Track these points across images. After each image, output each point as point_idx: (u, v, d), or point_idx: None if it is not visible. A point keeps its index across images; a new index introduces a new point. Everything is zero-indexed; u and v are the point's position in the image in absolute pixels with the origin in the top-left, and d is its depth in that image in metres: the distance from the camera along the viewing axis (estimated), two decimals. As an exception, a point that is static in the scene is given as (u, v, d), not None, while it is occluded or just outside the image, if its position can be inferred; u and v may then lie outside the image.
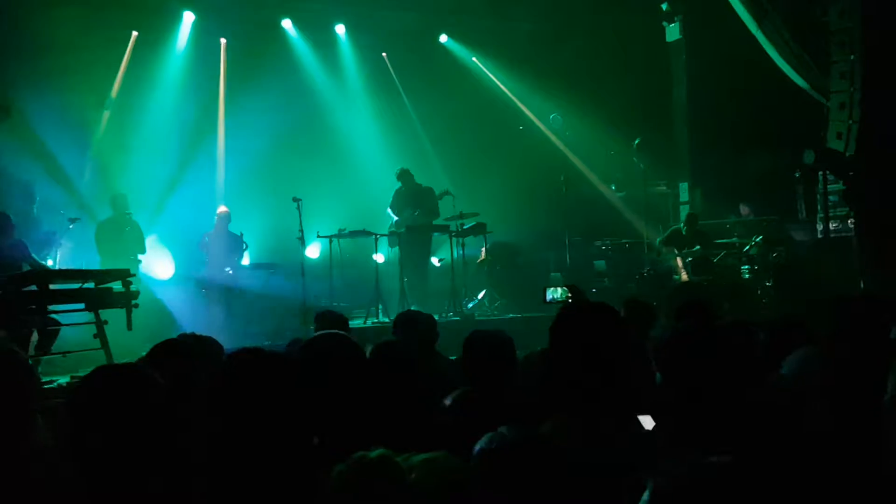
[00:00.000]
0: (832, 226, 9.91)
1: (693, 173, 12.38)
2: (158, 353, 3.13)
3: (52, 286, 6.66)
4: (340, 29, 12.79)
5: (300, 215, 9.30)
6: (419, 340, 4.48)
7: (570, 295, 3.69)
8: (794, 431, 2.31)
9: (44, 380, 6.91)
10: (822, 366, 3.48)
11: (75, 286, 6.85)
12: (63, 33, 10.08)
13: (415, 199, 10.37)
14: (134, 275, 7.22)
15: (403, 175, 10.52)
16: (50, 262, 8.22)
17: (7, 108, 9.29)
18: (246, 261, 10.37)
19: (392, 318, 9.54)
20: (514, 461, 1.79)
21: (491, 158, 12.70)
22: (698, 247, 9.79)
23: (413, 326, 4.58)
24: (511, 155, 12.95)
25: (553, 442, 2.03)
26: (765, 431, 2.30)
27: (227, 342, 5.55)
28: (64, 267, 8.40)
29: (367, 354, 3.13)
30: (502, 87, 13.41)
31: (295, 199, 9.30)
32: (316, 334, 3.01)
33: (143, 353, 3.49)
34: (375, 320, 9.71)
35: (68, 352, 6.94)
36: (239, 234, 10.17)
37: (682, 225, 10.26)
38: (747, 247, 9.75)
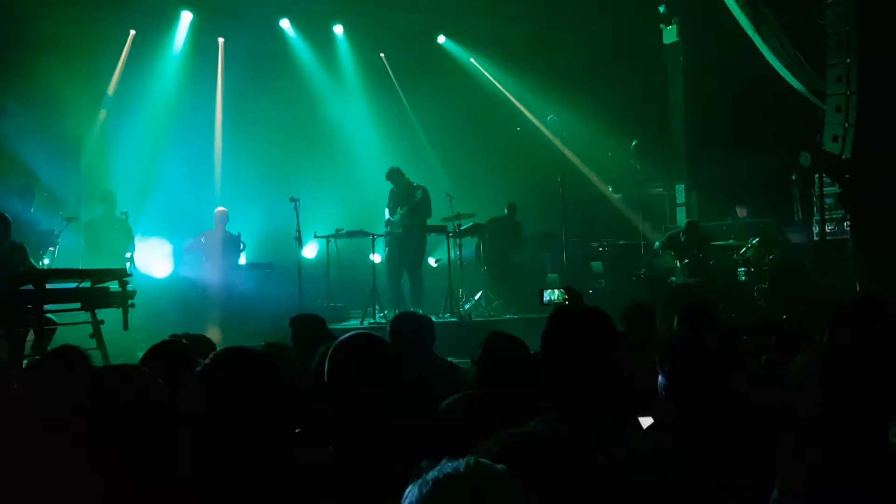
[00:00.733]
0: (828, 228, 9.95)
1: (690, 175, 12.42)
2: (156, 354, 3.14)
3: (48, 286, 6.65)
4: (338, 29, 12.79)
5: (297, 215, 9.30)
6: (417, 341, 4.48)
7: (567, 297, 3.69)
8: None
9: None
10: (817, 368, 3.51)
11: (72, 286, 6.84)
12: (60, 31, 10.08)
13: (405, 198, 10.27)
14: (130, 274, 7.21)
15: (392, 174, 10.38)
16: (47, 262, 8.21)
17: (3, 106, 9.26)
18: (243, 260, 10.36)
19: (388, 319, 9.62)
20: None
21: (489, 159, 12.72)
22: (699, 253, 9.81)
23: (410, 327, 4.57)
24: (509, 155, 12.97)
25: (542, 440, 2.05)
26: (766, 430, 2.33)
27: (224, 342, 5.58)
28: (60, 266, 8.38)
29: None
30: (500, 87, 13.42)
31: (292, 199, 9.30)
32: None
33: (140, 353, 3.50)
34: (372, 321, 9.72)
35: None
36: (237, 234, 10.17)
37: (681, 232, 10.26)
38: (743, 249, 9.77)
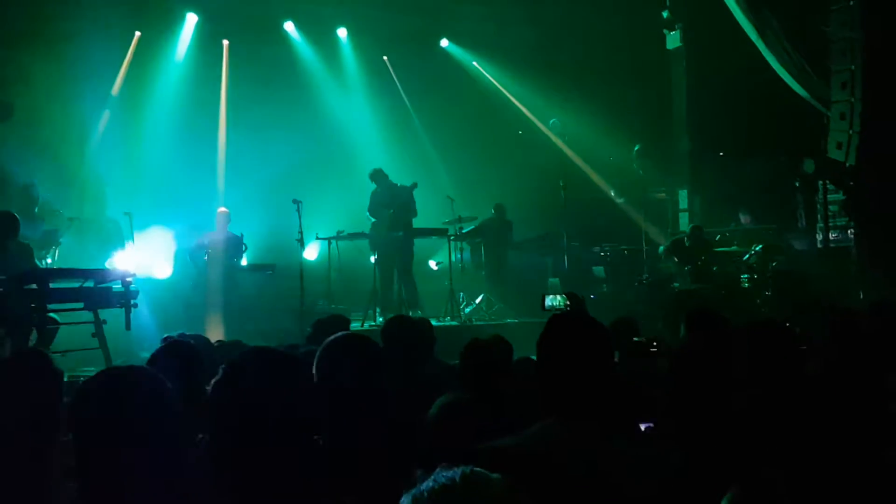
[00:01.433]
0: (832, 235, 9.92)
1: (693, 180, 12.40)
2: (163, 354, 3.13)
3: (51, 285, 6.66)
4: (342, 32, 12.82)
5: (300, 217, 9.28)
6: (416, 344, 4.47)
7: (568, 303, 3.69)
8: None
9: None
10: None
11: (75, 285, 6.85)
12: (65, 31, 10.11)
13: (390, 199, 10.19)
14: (134, 274, 7.22)
15: (376, 175, 10.32)
16: (49, 261, 8.22)
17: (9, 106, 9.28)
18: (245, 262, 10.36)
19: (387, 320, 9.61)
20: None
21: (491, 162, 12.74)
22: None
23: (409, 330, 4.55)
24: (511, 159, 12.98)
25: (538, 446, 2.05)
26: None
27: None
28: (62, 266, 8.38)
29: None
30: (503, 90, 13.44)
31: (295, 201, 9.27)
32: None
33: (143, 353, 3.51)
34: (373, 323, 9.71)
35: (67, 351, 6.92)
36: (239, 235, 10.16)
37: (685, 237, 10.24)
38: (747, 255, 9.75)
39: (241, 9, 11.79)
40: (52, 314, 6.84)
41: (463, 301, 10.67)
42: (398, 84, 13.28)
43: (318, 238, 10.34)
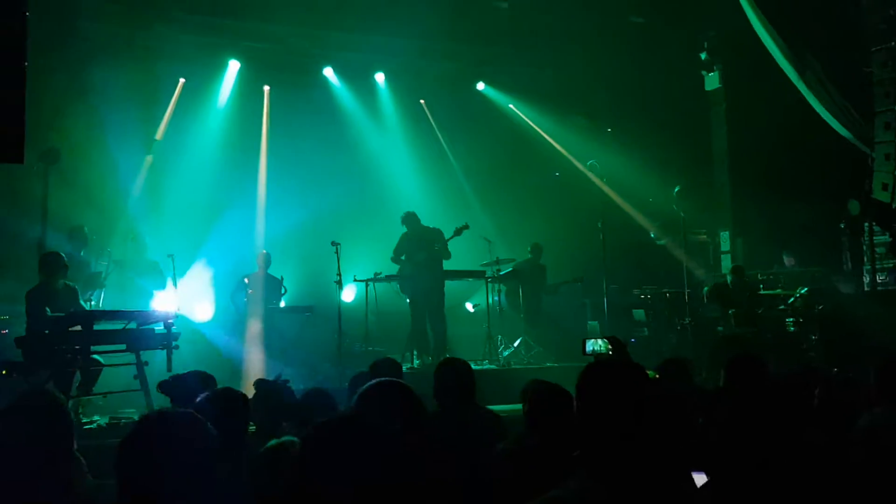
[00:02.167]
0: (879, 278, 9.70)
1: (735, 222, 12.25)
2: (216, 400, 3.14)
3: (95, 327, 6.75)
4: (380, 77, 13.01)
5: (338, 259, 9.32)
6: (458, 387, 4.42)
7: (610, 347, 3.60)
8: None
9: (84, 420, 6.97)
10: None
11: (118, 327, 6.93)
12: (112, 78, 10.40)
13: (421, 242, 10.11)
14: (175, 317, 7.29)
15: (408, 218, 10.23)
16: (93, 303, 8.33)
17: (56, 151, 9.52)
18: (283, 304, 10.42)
19: (425, 363, 9.57)
20: None
21: (529, 204, 12.72)
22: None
23: (452, 374, 4.49)
24: (549, 200, 12.96)
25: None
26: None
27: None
28: (105, 308, 8.50)
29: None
30: (541, 131, 13.47)
31: (333, 244, 9.32)
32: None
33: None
34: (410, 366, 9.67)
35: (109, 392, 6.99)
36: (279, 278, 10.24)
37: (727, 278, 10.06)
38: (792, 298, 9.54)
39: (281, 55, 12.04)
40: (95, 356, 6.92)
41: (501, 344, 10.58)
42: (435, 127, 13.40)
43: (355, 280, 10.37)
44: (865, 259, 9.91)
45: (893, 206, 9.25)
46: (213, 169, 11.47)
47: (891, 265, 9.56)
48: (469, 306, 12.01)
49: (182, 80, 11.76)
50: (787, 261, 11.15)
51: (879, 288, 9.64)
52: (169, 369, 6.93)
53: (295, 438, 2.49)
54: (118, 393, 7.09)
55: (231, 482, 2.71)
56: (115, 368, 7.02)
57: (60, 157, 9.46)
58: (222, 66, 11.96)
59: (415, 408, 2.77)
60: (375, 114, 13.04)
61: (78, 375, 6.83)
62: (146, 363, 6.92)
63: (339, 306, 9.48)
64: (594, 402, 2.17)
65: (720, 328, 9.77)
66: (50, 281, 7.11)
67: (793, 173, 11.18)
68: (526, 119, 13.55)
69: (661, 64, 12.22)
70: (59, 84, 10.00)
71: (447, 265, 10.14)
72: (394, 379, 2.91)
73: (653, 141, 11.92)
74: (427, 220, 10.30)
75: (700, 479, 2.80)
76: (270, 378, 4.81)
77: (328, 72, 12.67)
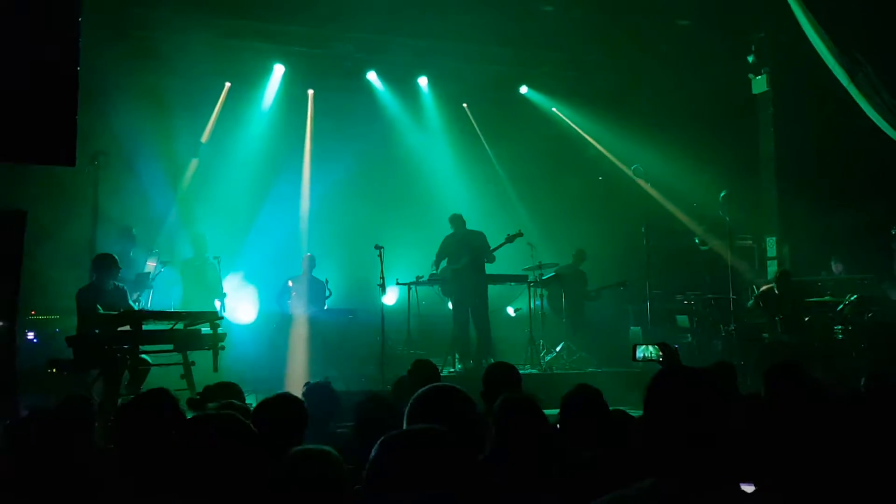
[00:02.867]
0: (931, 285, 9.44)
1: (781, 228, 12.03)
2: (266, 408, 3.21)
3: (144, 327, 6.88)
4: (423, 81, 13.06)
5: (381, 263, 9.37)
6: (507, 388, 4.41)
7: (661, 353, 3.57)
8: None
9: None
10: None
11: (165, 327, 7.06)
12: (160, 83, 10.62)
13: (465, 246, 10.11)
14: (222, 317, 7.40)
15: (456, 220, 10.26)
16: (141, 304, 8.50)
17: (107, 153, 9.72)
18: (326, 306, 10.52)
19: (467, 367, 9.57)
20: None
21: (572, 208, 12.67)
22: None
23: (502, 380, 4.46)
24: (593, 204, 12.89)
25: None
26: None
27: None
28: (154, 309, 8.67)
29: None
30: (585, 135, 13.40)
31: (377, 247, 9.37)
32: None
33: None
34: (451, 369, 9.68)
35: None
36: (324, 281, 10.34)
37: (773, 285, 9.88)
38: (840, 305, 9.33)
39: (325, 60, 12.15)
40: (143, 355, 7.06)
41: (543, 349, 10.54)
42: (478, 131, 13.41)
43: (398, 283, 10.42)
44: (918, 266, 9.66)
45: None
46: (257, 172, 11.63)
47: (943, 272, 9.32)
48: (510, 311, 11.99)
49: (228, 84, 11.95)
50: (836, 267, 10.91)
51: (932, 296, 9.39)
52: (215, 370, 7.05)
53: (326, 447, 2.52)
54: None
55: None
56: (162, 368, 7.15)
57: (110, 159, 9.69)
58: (267, 71, 12.11)
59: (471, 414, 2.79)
60: (418, 117, 13.09)
61: (126, 374, 6.97)
62: (193, 363, 7.03)
63: (382, 309, 9.53)
64: (667, 410, 2.16)
65: (765, 335, 9.60)
66: (101, 281, 7.28)
67: (841, 178, 10.94)
68: (570, 122, 13.49)
69: (708, 67, 12.05)
70: (109, 88, 10.22)
71: (490, 269, 10.14)
72: (449, 385, 2.92)
73: (698, 145, 11.76)
74: (470, 223, 10.32)
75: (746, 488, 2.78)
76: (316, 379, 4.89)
77: (371, 76, 12.75)
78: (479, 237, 10.17)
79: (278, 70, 12.15)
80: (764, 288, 10.01)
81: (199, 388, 6.87)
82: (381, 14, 10.84)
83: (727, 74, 12.38)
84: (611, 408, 3.74)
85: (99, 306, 7.02)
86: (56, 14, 6.75)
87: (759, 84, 12.52)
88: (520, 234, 10.03)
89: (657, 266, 11.16)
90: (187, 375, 6.91)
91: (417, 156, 12.76)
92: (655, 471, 2.16)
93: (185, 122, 11.34)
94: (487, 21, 10.95)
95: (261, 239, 11.22)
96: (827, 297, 9.49)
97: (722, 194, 10.64)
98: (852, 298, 9.23)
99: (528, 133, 13.06)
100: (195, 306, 9.09)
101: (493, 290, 10.44)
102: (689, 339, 10.66)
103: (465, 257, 9.98)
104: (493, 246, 10.08)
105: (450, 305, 10.27)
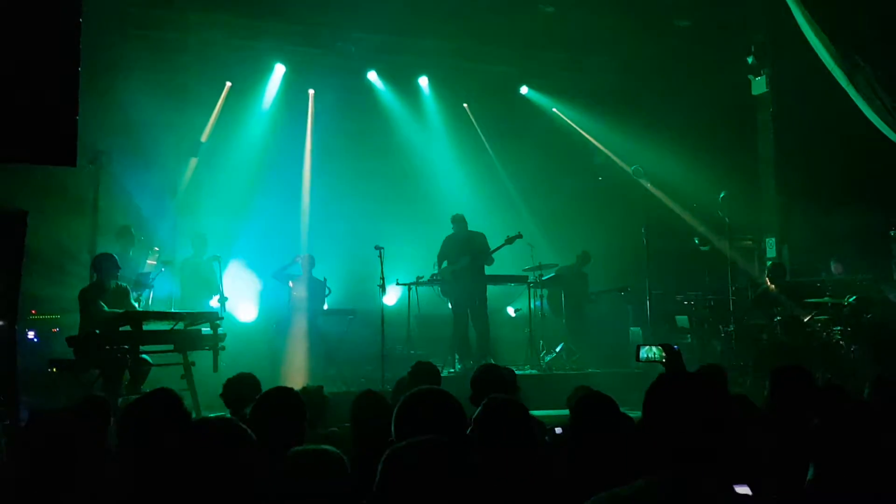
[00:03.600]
0: (930, 286, 9.45)
1: (781, 228, 12.04)
2: (266, 403, 3.21)
3: (144, 327, 6.90)
4: (423, 81, 13.07)
5: (381, 263, 9.37)
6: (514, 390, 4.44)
7: (664, 355, 3.59)
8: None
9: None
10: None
11: (166, 327, 7.08)
12: (161, 81, 10.62)
13: (465, 246, 10.14)
14: (222, 318, 7.42)
15: (457, 220, 10.30)
16: (142, 302, 8.51)
17: (108, 153, 9.73)
18: (326, 306, 10.52)
19: (466, 367, 9.58)
20: None
21: (572, 208, 12.68)
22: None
23: (495, 380, 4.49)
24: (592, 204, 12.91)
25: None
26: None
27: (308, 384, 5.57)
28: (154, 309, 8.68)
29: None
30: (586, 135, 13.41)
31: (377, 248, 9.37)
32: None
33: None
34: (451, 370, 9.69)
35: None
36: (322, 280, 10.34)
37: (766, 279, 9.89)
38: (840, 306, 9.32)
39: (326, 59, 12.16)
40: (144, 355, 7.07)
41: (542, 349, 10.55)
42: (479, 131, 13.42)
43: (398, 283, 10.43)
44: (917, 267, 9.67)
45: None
46: (257, 171, 11.63)
47: (943, 274, 9.32)
48: (510, 311, 12.00)
49: (228, 84, 11.95)
50: (835, 268, 10.92)
51: (931, 297, 9.39)
52: (215, 370, 7.07)
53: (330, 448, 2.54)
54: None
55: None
56: (163, 368, 7.16)
57: (111, 159, 9.69)
58: (268, 70, 12.12)
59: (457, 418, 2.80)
60: (419, 117, 13.11)
61: (127, 374, 6.98)
62: (193, 363, 7.05)
63: (382, 309, 9.55)
64: (665, 416, 2.18)
65: (764, 336, 9.61)
66: (103, 281, 7.29)
67: (841, 179, 10.95)
68: (570, 122, 13.50)
69: (707, 68, 12.07)
70: (109, 87, 10.22)
71: (489, 270, 10.17)
72: (437, 389, 2.94)
73: (698, 145, 11.78)
74: (471, 223, 10.34)
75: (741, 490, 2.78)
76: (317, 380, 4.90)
77: (372, 75, 12.77)
78: (480, 238, 10.19)
79: (279, 70, 12.17)
80: (761, 288, 10.03)
81: (199, 389, 6.95)
82: (381, 14, 10.85)
83: (727, 75, 12.38)
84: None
85: (103, 305, 7.04)
86: (56, 14, 6.75)
87: (759, 85, 12.53)
88: (519, 236, 10.06)
89: (657, 266, 11.17)
90: (187, 376, 6.93)
91: (418, 156, 12.78)
92: (651, 472, 2.18)
93: (185, 122, 11.34)
94: (488, 21, 10.96)
95: (260, 238, 11.22)
96: (826, 298, 9.48)
97: (721, 195, 10.65)
98: (852, 299, 9.22)
99: (529, 133, 13.07)
100: (194, 306, 9.11)
101: (493, 290, 10.46)
102: (689, 340, 10.67)
103: (465, 258, 9.99)
104: (492, 248, 10.10)
105: (450, 306, 10.28)
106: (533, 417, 4.75)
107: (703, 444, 2.10)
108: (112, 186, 9.76)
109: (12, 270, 6.74)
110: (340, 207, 11.82)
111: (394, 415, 2.80)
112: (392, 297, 11.11)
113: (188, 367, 6.98)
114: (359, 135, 12.10)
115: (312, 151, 12.50)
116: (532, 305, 10.69)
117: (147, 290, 8.54)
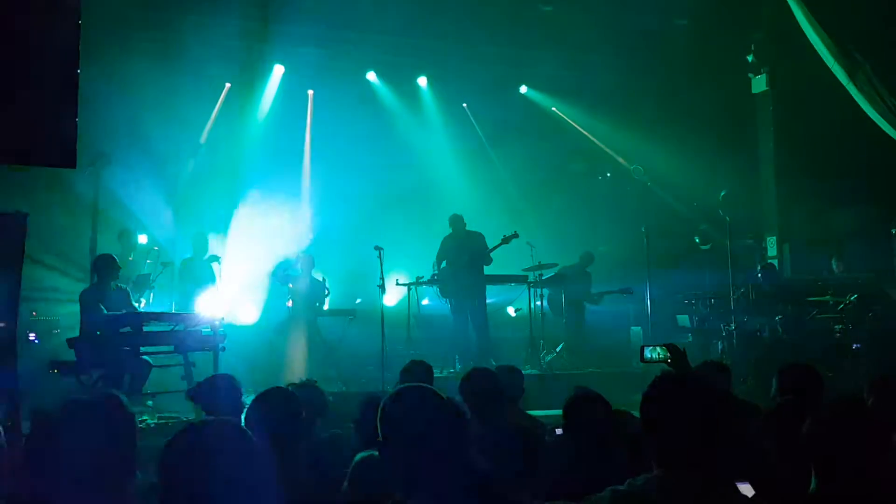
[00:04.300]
0: (932, 284, 9.45)
1: (781, 227, 12.04)
2: (263, 403, 3.20)
3: (145, 328, 6.90)
4: (422, 81, 13.07)
5: (381, 264, 9.35)
6: (502, 396, 4.38)
7: (669, 355, 3.57)
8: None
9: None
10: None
11: (166, 328, 7.07)
12: (160, 84, 10.61)
13: (464, 246, 10.12)
14: (222, 319, 7.41)
15: (455, 221, 10.30)
16: (143, 303, 8.51)
17: (107, 154, 9.73)
18: (326, 306, 10.51)
19: (467, 367, 9.54)
20: None
21: (573, 207, 12.68)
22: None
23: (495, 383, 4.42)
24: (593, 204, 12.91)
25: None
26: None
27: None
28: (154, 310, 8.67)
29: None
30: (586, 133, 13.40)
31: (377, 248, 9.36)
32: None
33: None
34: (452, 370, 9.68)
35: (157, 393, 7.12)
36: (322, 280, 10.33)
37: (759, 280, 9.89)
38: (841, 305, 9.32)
39: (325, 60, 12.15)
40: (145, 357, 7.07)
41: (543, 349, 10.54)
42: (478, 130, 13.42)
43: (398, 284, 10.42)
44: (918, 265, 9.67)
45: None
46: (256, 172, 11.61)
47: (944, 271, 9.32)
48: (511, 311, 11.98)
49: (227, 85, 11.95)
50: (837, 266, 10.91)
51: (933, 294, 9.39)
52: (215, 371, 7.05)
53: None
54: (166, 393, 7.22)
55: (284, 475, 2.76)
56: (163, 369, 7.16)
57: (111, 159, 9.69)
58: (267, 71, 12.12)
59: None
60: (418, 117, 13.10)
61: (127, 376, 6.98)
62: (193, 364, 7.04)
63: (382, 310, 9.53)
64: (664, 417, 2.18)
65: (765, 335, 9.61)
66: (103, 282, 7.29)
67: (841, 177, 10.95)
68: (570, 121, 13.49)
69: (707, 66, 12.06)
70: (108, 89, 10.22)
71: (489, 270, 10.16)
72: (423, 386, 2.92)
73: (698, 144, 11.77)
74: (470, 223, 10.33)
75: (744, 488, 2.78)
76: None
77: (371, 76, 12.76)
78: (479, 238, 10.18)
79: (278, 70, 12.16)
80: (759, 288, 10.03)
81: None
82: (381, 14, 10.84)
83: (727, 74, 12.38)
84: (612, 408, 3.74)
85: (103, 307, 7.03)
86: (56, 15, 6.74)
87: (759, 83, 12.54)
88: (515, 235, 10.05)
89: (658, 265, 11.15)
90: (188, 377, 6.92)
91: (417, 156, 12.77)
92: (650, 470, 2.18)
93: (185, 123, 11.33)
94: (487, 21, 10.95)
95: (260, 239, 11.19)
96: (827, 297, 9.47)
97: (722, 194, 10.65)
98: (853, 298, 9.22)
99: (528, 133, 13.06)
100: (194, 307, 9.10)
101: (493, 289, 10.46)
102: (690, 339, 10.65)
103: (463, 258, 9.99)
104: (490, 247, 10.10)
105: (449, 306, 10.27)
106: (532, 417, 4.76)
107: (703, 444, 2.10)
108: (112, 187, 9.76)
109: (12, 272, 6.73)
110: (340, 207, 11.80)
111: (379, 414, 2.76)
112: (392, 297, 11.08)
113: (189, 368, 6.97)
114: (358, 135, 12.08)
115: (312, 152, 12.51)
116: (532, 305, 10.67)
117: (147, 291, 8.54)
